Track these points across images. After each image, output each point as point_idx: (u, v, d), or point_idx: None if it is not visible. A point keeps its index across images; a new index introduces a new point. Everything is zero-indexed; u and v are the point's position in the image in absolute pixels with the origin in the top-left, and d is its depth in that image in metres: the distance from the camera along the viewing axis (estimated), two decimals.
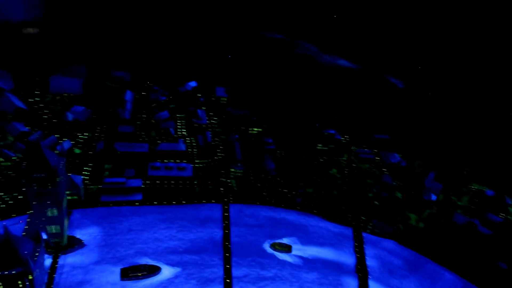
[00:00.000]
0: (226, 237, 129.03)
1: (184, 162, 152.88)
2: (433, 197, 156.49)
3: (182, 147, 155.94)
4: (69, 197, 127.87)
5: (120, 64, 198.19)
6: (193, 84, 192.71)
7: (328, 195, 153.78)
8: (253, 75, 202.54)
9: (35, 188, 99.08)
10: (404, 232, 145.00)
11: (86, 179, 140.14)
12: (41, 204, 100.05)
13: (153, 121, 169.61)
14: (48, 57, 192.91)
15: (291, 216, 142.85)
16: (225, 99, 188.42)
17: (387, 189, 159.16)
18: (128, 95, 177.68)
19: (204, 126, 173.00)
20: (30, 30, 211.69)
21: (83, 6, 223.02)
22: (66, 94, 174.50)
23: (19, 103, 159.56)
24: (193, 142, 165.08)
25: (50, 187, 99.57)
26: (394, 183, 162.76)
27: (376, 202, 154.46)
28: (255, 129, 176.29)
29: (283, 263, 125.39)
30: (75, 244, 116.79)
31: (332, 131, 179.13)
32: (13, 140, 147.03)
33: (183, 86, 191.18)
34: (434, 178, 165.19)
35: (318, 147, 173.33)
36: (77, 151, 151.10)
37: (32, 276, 76.05)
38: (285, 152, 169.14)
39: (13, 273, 74.47)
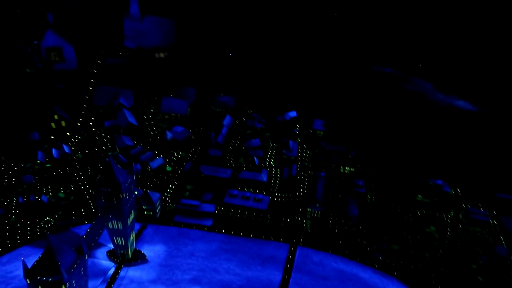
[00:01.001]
0: (285, 283, 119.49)
1: (262, 193, 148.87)
2: None
3: (264, 178, 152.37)
4: (145, 212, 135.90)
5: (228, 90, 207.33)
6: (292, 114, 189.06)
7: (417, 256, 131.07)
8: (357, 111, 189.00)
9: (102, 201, 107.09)
10: None
11: (168, 197, 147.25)
12: (105, 216, 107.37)
13: (243, 148, 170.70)
14: (167, 79, 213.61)
15: (365, 274, 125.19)
16: (321, 132, 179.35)
17: (498, 263, 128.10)
18: (227, 120, 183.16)
19: (293, 158, 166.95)
20: (161, 54, 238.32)
21: (207, 37, 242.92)
22: (173, 114, 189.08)
23: (132, 119, 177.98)
24: (278, 174, 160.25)
25: (114, 202, 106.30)
26: (511, 258, 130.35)
27: (480, 278, 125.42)
28: (347, 168, 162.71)
29: None
30: (139, 259, 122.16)
31: (439, 182, 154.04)
32: (118, 152, 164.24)
33: (282, 115, 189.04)
34: None
35: (418, 198, 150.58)
36: (168, 168, 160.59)
37: (65, 286, 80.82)
38: (376, 199, 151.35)
39: (50, 280, 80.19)
